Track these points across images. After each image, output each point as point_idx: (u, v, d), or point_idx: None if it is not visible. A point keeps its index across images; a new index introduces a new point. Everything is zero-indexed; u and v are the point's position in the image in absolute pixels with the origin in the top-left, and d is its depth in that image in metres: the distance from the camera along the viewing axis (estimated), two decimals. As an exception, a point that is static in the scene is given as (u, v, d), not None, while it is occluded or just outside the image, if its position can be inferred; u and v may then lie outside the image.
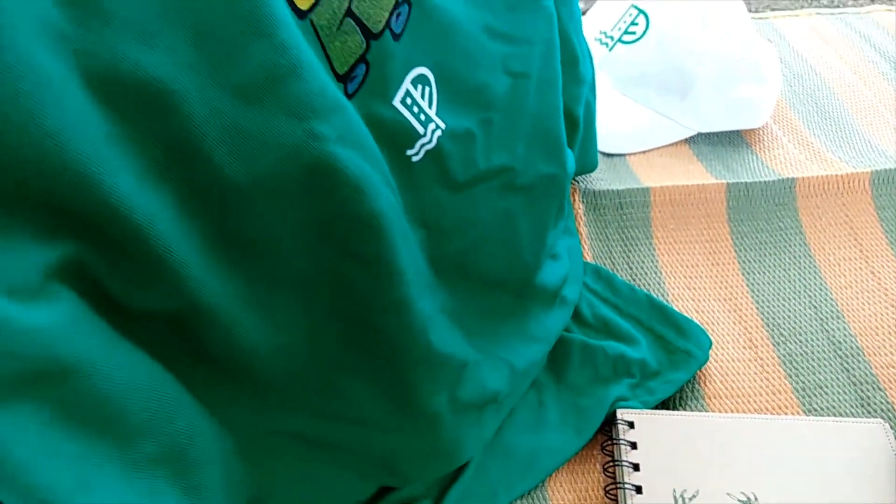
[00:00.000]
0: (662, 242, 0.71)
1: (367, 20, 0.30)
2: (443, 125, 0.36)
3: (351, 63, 0.30)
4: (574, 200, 0.72)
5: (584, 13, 1.14)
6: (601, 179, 0.75)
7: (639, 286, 0.65)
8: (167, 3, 0.23)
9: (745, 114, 0.81)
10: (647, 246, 0.70)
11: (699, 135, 0.82)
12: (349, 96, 0.31)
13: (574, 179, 0.74)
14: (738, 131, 0.83)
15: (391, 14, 0.31)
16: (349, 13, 0.30)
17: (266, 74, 0.25)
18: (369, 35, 0.31)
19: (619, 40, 0.82)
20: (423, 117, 0.34)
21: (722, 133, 0.82)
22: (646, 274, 0.68)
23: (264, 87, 0.25)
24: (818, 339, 0.62)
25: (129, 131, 0.23)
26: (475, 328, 0.42)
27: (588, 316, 0.59)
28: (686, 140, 0.82)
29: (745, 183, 0.73)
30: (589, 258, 0.67)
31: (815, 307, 0.65)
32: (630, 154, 0.81)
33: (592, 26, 0.85)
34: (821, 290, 0.66)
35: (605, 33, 0.83)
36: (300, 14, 0.28)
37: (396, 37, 0.32)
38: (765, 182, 0.73)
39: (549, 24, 0.42)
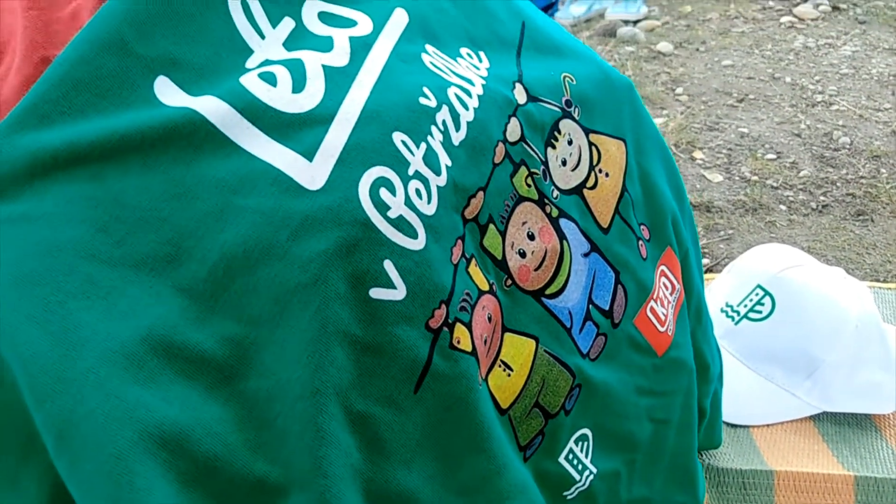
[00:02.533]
0: (787, 530, 0.72)
1: (548, 406, 0.40)
2: (595, 470, 0.43)
3: (531, 437, 0.39)
4: (697, 476, 0.75)
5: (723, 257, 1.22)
6: (725, 454, 0.78)
7: (761, 577, 0.66)
8: (422, 439, 0.33)
9: (872, 399, 0.83)
10: (771, 532, 0.71)
11: (825, 413, 0.84)
12: (525, 459, 0.39)
13: (698, 453, 0.77)
14: (866, 414, 0.84)
15: (566, 397, 0.41)
16: (536, 405, 0.39)
17: (479, 477, 0.34)
18: (548, 416, 0.40)
19: (745, 316, 0.88)
20: (580, 467, 0.42)
21: (849, 413, 0.84)
22: (768, 563, 0.68)
23: (477, 485, 0.34)
24: None
25: None
26: None
27: None
28: (812, 417, 0.84)
29: (875, 478, 0.73)
30: (710, 538, 0.69)
31: None
32: (754, 427, 0.83)
33: (718, 297, 0.92)
34: None
35: (731, 307, 0.90)
36: (501, 411, 0.37)
37: (567, 412, 0.41)
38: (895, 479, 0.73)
39: (689, 378, 0.50)
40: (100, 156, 0.28)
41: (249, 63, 0.33)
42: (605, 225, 0.44)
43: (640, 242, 0.47)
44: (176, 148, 0.29)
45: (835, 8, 2.45)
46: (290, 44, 0.34)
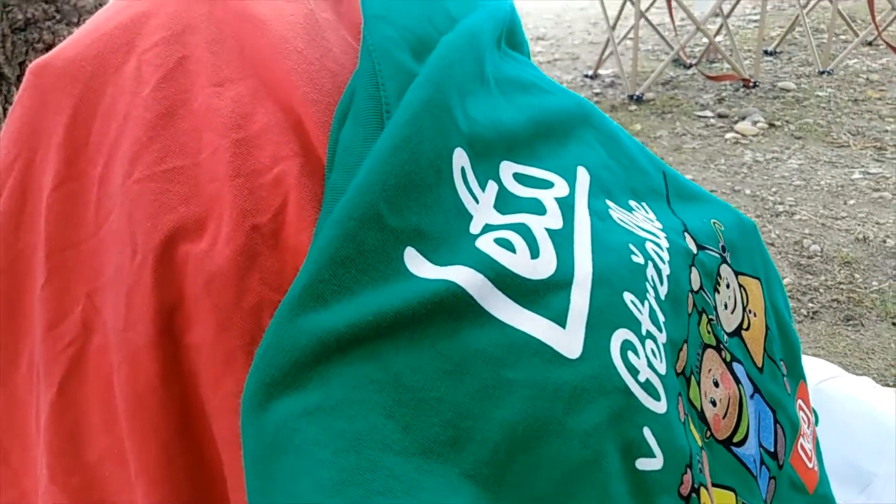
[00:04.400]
0: None
1: None
2: None
3: None
4: None
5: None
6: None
7: None
8: None
9: (928, 511, 0.84)
10: None
11: (883, 527, 0.84)
12: None
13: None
14: (922, 526, 0.84)
15: None
16: None
17: None
18: None
19: (791, 431, 0.88)
20: None
21: (906, 527, 0.84)
22: None
23: None
24: None
25: None
26: None
27: None
28: (871, 533, 0.84)
29: None
30: None
31: None
32: (819, 546, 0.82)
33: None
34: None
35: (774, 421, 0.91)
36: None
37: None
38: None
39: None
40: (376, 335, 0.27)
41: (473, 228, 0.33)
42: (759, 365, 0.44)
43: (785, 379, 0.47)
44: (439, 321, 0.28)
45: (771, 125, 2.67)
46: (499, 206, 0.34)
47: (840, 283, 1.53)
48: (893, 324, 1.36)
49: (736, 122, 2.72)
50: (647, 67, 3.54)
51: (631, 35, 3.32)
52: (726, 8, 3.30)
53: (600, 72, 3.55)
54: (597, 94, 3.25)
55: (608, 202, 0.39)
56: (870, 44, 3.62)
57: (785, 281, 1.55)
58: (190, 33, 0.36)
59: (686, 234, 0.41)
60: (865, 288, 1.50)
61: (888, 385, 1.22)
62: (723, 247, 0.44)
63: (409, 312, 0.28)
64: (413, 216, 0.31)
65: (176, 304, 0.31)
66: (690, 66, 3.48)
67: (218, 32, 0.36)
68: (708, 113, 2.87)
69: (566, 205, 0.36)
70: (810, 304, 1.45)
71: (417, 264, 0.30)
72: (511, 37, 0.44)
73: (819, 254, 1.67)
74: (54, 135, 0.34)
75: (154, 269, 0.31)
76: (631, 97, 3.09)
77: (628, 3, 3.22)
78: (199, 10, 0.37)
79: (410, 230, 0.30)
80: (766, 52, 3.60)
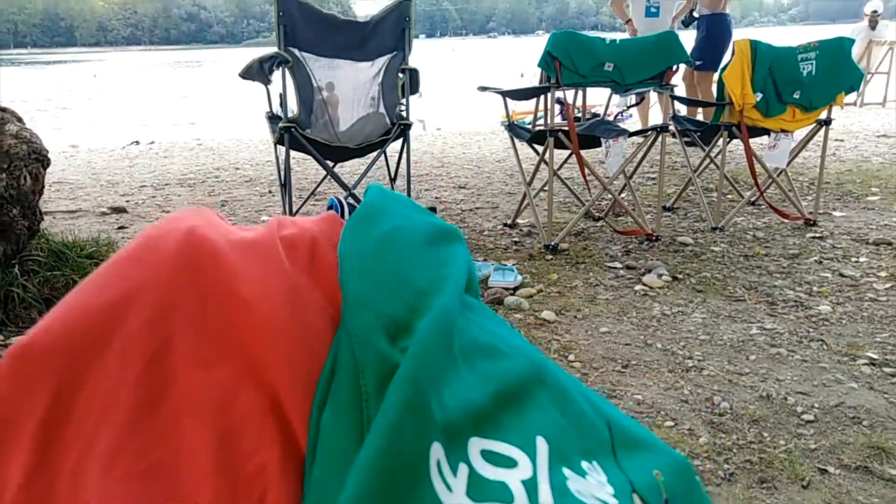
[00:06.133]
0: None
1: None
2: None
3: None
4: None
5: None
6: None
7: None
8: None
9: None
10: None
11: None
12: None
13: None
14: None
15: None
16: None
17: None
18: None
19: None
20: None
21: None
22: None
23: None
24: None
25: None
26: None
27: None
28: None
29: None
30: None
31: None
32: None
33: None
34: None
35: None
36: None
37: None
38: None
39: None
40: None
41: None
42: None
43: None
44: None
45: (674, 278, 2.88)
46: (472, 493, 0.37)
47: (751, 442, 1.62)
48: (803, 486, 1.43)
49: (643, 274, 2.92)
50: (560, 218, 3.78)
51: (546, 188, 3.57)
52: (629, 169, 3.63)
53: (518, 221, 3.76)
54: (516, 243, 3.43)
55: (565, 471, 0.42)
56: (752, 203, 4.04)
57: (700, 440, 1.63)
58: (175, 312, 0.37)
59: (634, 494, 0.45)
60: (774, 448, 1.59)
61: (805, 553, 1.27)
62: (666, 501, 0.48)
63: None
64: None
65: None
66: (599, 219, 3.75)
67: (203, 310, 0.38)
68: (617, 264, 3.06)
69: (532, 487, 0.39)
70: (726, 466, 1.52)
71: None
72: (468, 285, 0.49)
73: (729, 411, 1.77)
74: (29, 423, 0.34)
75: None
76: (547, 247, 3.27)
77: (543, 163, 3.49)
78: (185, 286, 0.39)
79: None
80: (665, 208, 3.94)
